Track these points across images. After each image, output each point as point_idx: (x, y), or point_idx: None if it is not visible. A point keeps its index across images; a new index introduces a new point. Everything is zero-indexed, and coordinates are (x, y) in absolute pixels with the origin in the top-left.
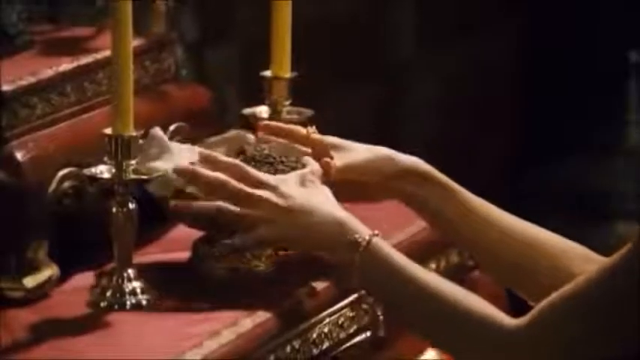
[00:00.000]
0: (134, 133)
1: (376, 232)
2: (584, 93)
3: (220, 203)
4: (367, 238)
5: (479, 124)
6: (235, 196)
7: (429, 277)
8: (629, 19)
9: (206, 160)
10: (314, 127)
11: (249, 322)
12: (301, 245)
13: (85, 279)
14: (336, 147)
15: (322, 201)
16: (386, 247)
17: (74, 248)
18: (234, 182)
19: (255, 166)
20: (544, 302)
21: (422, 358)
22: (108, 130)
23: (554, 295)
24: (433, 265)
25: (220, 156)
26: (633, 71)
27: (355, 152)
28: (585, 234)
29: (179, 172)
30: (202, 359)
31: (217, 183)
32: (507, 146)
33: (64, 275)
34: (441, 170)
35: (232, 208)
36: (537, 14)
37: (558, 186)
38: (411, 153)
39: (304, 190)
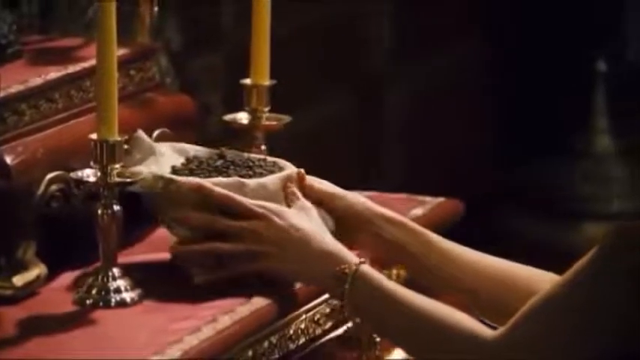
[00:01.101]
0: (118, 138)
1: (362, 259)
2: (554, 101)
3: (215, 244)
4: (354, 268)
5: (451, 132)
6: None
7: (415, 297)
8: (597, 31)
9: (199, 191)
10: (302, 170)
11: (227, 319)
12: (292, 279)
13: (72, 278)
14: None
15: (311, 231)
16: (373, 274)
17: (62, 248)
18: (222, 220)
19: (234, 170)
20: (519, 313)
21: (390, 357)
22: (93, 136)
23: (527, 305)
24: (394, 271)
25: (213, 187)
26: (600, 80)
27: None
28: (554, 234)
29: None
30: (182, 354)
31: (205, 222)
32: (481, 152)
33: (52, 274)
34: (414, 177)
35: (226, 246)
36: (507, 27)
37: (529, 188)
38: (387, 161)
39: (294, 218)
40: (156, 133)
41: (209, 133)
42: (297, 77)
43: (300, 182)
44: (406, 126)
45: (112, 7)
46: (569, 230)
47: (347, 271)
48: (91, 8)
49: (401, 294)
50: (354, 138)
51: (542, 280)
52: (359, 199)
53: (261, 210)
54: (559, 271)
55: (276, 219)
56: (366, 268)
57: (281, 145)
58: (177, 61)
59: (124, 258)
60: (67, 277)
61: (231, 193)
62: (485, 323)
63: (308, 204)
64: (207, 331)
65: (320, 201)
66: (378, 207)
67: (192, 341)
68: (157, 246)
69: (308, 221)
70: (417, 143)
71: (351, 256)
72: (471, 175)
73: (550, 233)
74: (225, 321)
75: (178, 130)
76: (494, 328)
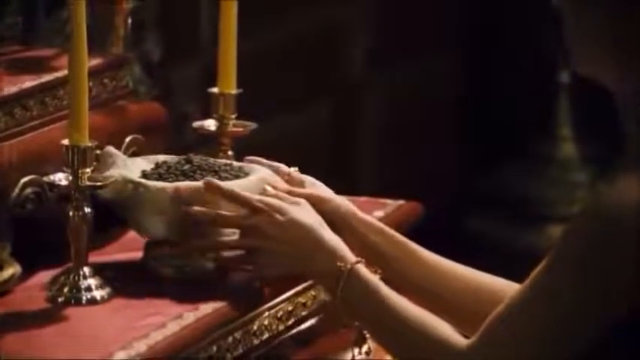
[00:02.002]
0: (89, 144)
1: (359, 259)
2: (521, 111)
3: (220, 240)
4: (349, 266)
5: (424, 139)
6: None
7: (404, 304)
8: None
9: (209, 188)
10: (296, 168)
11: (192, 315)
12: (289, 272)
13: (45, 277)
14: (313, 184)
15: (310, 227)
16: (367, 274)
17: (36, 248)
18: (227, 215)
19: (201, 174)
20: (488, 319)
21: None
22: (65, 141)
23: (495, 310)
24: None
25: (221, 185)
26: (563, 91)
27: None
28: (520, 237)
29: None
30: (147, 349)
31: (208, 217)
32: (452, 158)
33: (27, 273)
34: (391, 181)
35: (230, 242)
36: (477, 38)
37: (497, 193)
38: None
39: (294, 214)
40: (128, 139)
41: (187, 139)
42: (278, 84)
43: (291, 182)
44: (380, 132)
45: (82, 25)
46: (534, 233)
47: (343, 268)
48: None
49: (393, 299)
50: (330, 143)
51: (509, 290)
52: (345, 203)
53: (261, 205)
54: (523, 272)
55: (277, 215)
56: (362, 268)
57: (261, 149)
58: (158, 71)
59: (96, 258)
60: (41, 277)
61: (235, 190)
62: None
63: (302, 200)
64: (172, 327)
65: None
66: (360, 213)
67: (157, 337)
68: (127, 247)
69: (307, 217)
70: (390, 148)
71: (349, 254)
72: (441, 180)
73: (516, 236)
74: (189, 318)
75: (149, 135)
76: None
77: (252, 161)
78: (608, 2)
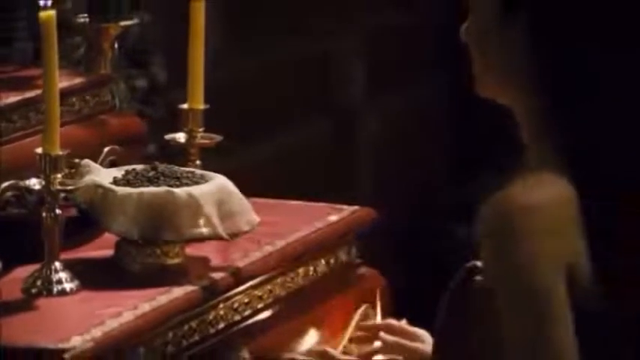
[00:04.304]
0: (60, 153)
1: None
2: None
3: None
4: None
5: (412, 154)
6: None
7: None
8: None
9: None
10: (404, 320)
11: (147, 306)
12: None
13: (24, 272)
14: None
15: None
16: None
17: (16, 246)
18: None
19: (164, 180)
20: None
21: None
22: (39, 150)
23: None
24: (323, 262)
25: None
26: None
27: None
28: None
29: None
30: (102, 335)
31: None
32: (441, 172)
33: (8, 269)
34: (384, 184)
35: None
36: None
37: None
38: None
39: None
40: (106, 149)
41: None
42: (278, 106)
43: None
44: (376, 150)
45: (54, 47)
46: None
47: None
48: (84, 46)
49: None
50: (329, 161)
51: None
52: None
53: None
54: None
55: None
56: None
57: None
58: (163, 92)
59: (73, 255)
60: (21, 272)
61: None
62: None
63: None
64: (128, 316)
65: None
66: None
67: (112, 324)
68: (100, 246)
69: None
70: (385, 166)
71: None
72: (432, 194)
73: None
74: (145, 307)
75: (127, 146)
76: None
77: (390, 328)
78: (504, 36)
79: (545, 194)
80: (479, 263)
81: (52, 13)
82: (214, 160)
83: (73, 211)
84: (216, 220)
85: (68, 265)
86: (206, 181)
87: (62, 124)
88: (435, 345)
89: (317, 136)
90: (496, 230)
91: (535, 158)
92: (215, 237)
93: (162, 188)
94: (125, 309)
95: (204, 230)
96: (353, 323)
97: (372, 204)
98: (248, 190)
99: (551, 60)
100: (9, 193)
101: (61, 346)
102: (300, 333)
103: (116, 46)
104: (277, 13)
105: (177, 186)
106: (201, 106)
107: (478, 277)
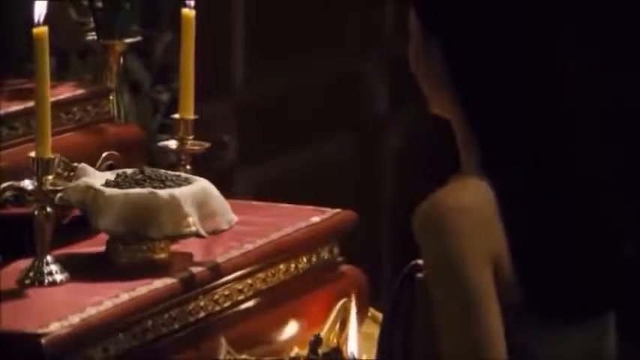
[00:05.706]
0: (51, 156)
1: None
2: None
3: None
4: None
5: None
6: None
7: None
8: None
9: None
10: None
11: (126, 295)
12: None
13: (20, 265)
14: None
15: None
16: None
17: (15, 241)
18: None
19: (149, 183)
20: None
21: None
22: (32, 154)
23: None
24: (305, 259)
25: None
26: None
27: None
28: None
29: None
30: (80, 321)
31: None
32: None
33: (7, 262)
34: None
35: None
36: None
37: None
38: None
39: None
40: (104, 154)
41: (226, 161)
42: (309, 120)
43: None
44: (399, 162)
45: (46, 61)
46: None
47: None
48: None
49: None
50: (354, 173)
51: None
52: None
53: None
54: None
55: None
56: None
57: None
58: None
59: (66, 249)
60: (18, 265)
61: None
62: None
63: None
64: (107, 304)
65: None
66: None
67: (91, 311)
68: (96, 243)
69: None
70: (407, 177)
71: None
72: None
73: None
74: (124, 297)
75: (125, 152)
76: None
77: None
78: (429, 60)
79: (470, 197)
80: (420, 261)
81: (45, 29)
82: (244, 170)
83: (76, 211)
84: (195, 219)
85: (62, 259)
86: (189, 183)
87: (63, 132)
88: (380, 336)
89: (341, 150)
90: (427, 229)
91: (464, 163)
92: (195, 235)
93: (147, 189)
94: (106, 298)
95: (185, 229)
96: (332, 316)
97: (396, 216)
98: (276, 200)
99: (465, 78)
100: (8, 193)
101: (40, 331)
102: (279, 324)
103: (121, 59)
104: (305, 31)
105: (161, 188)
106: (192, 116)
107: (419, 274)
